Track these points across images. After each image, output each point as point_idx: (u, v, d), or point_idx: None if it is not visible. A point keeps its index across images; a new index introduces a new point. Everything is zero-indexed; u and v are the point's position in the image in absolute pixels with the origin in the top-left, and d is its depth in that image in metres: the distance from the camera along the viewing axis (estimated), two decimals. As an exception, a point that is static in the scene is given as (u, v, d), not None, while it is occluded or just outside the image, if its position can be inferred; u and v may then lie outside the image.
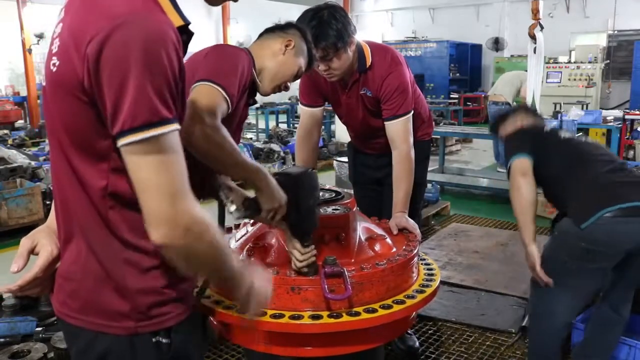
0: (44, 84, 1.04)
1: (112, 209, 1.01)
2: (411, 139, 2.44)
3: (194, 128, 1.37)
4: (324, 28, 2.17)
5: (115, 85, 0.89)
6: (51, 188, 5.26)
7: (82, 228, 1.04)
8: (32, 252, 1.15)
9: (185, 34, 1.04)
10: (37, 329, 2.59)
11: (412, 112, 2.46)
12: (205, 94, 1.49)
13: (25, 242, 1.15)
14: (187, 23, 1.04)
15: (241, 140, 7.72)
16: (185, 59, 1.08)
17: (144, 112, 0.89)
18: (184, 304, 1.12)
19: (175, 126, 0.94)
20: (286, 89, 1.92)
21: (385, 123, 2.45)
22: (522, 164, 2.21)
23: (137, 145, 0.90)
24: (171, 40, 0.93)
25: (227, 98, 1.52)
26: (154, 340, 1.06)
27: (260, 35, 1.88)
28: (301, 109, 2.70)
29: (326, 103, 2.69)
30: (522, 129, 2.45)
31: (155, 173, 0.92)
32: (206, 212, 1.01)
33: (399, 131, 2.41)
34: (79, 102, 0.94)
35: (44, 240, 1.15)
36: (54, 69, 0.97)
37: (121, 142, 0.90)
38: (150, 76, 0.89)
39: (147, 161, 0.91)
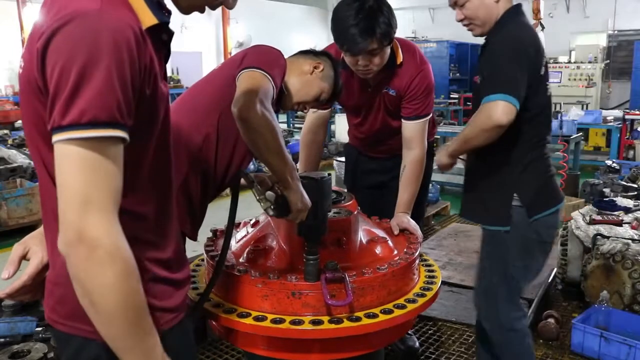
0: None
1: None
2: (426, 143, 2.39)
3: (254, 105, 1.42)
4: (377, 18, 2.06)
5: (56, 79, 0.84)
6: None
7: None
8: (24, 257, 1.14)
9: (164, 33, 1.01)
10: (37, 329, 2.58)
11: (431, 115, 2.44)
12: (258, 78, 1.56)
13: (17, 248, 1.14)
14: (162, 22, 0.99)
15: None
16: (171, 59, 1.07)
17: (77, 110, 0.83)
18: (176, 311, 1.09)
19: (117, 133, 0.86)
20: (305, 109, 1.93)
21: (405, 122, 2.38)
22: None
23: (68, 146, 0.84)
24: (126, 39, 0.87)
25: (274, 86, 1.60)
26: None
27: (295, 54, 1.93)
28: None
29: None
30: None
31: (73, 175, 0.84)
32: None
33: (418, 132, 2.35)
34: (40, 102, 0.91)
35: (35, 247, 1.13)
36: (21, 70, 0.96)
37: (54, 137, 0.85)
38: (94, 73, 0.84)
39: (69, 161, 0.85)
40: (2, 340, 2.50)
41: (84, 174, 0.85)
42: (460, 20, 1.97)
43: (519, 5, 1.94)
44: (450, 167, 2.09)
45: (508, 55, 1.82)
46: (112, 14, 0.89)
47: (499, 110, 1.75)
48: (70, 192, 0.85)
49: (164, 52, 1.04)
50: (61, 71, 0.84)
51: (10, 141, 8.63)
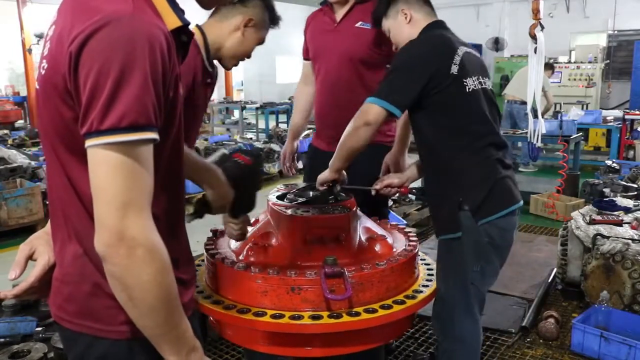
0: (37, 87, 1.01)
1: None
2: None
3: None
4: None
5: (92, 83, 0.85)
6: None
7: (77, 232, 1.02)
8: (30, 258, 1.14)
9: (185, 35, 1.02)
10: (37, 329, 2.59)
11: None
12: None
13: (24, 248, 1.14)
14: (186, 24, 1.01)
15: (241, 141, 7.71)
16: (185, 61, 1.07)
17: (115, 114, 0.85)
18: (184, 309, 1.09)
19: (152, 135, 0.89)
20: (249, 57, 1.88)
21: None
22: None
23: (104, 150, 0.86)
24: (160, 43, 0.90)
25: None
26: (152, 344, 1.01)
27: (220, 10, 1.83)
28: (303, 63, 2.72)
29: None
30: None
31: (111, 178, 0.87)
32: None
33: None
34: (66, 105, 0.92)
35: (41, 248, 1.13)
36: (43, 72, 0.96)
37: (90, 142, 0.86)
38: (131, 77, 0.85)
39: (108, 166, 0.87)
40: (2, 340, 2.51)
41: (122, 176, 0.87)
42: (395, 50, 2.12)
43: (434, 22, 2.05)
44: (332, 181, 2.03)
45: (398, 67, 1.91)
46: (144, 18, 0.90)
47: (370, 111, 1.86)
48: (109, 195, 0.87)
49: (182, 54, 1.05)
50: (98, 75, 0.85)
51: (10, 141, 8.65)
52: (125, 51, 0.85)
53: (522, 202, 2.01)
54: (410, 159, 2.33)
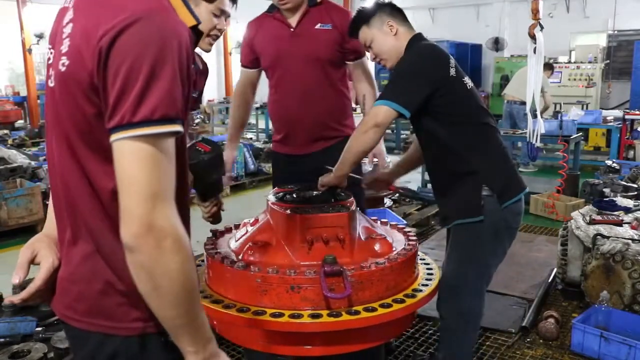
0: (51, 84, 1.01)
1: None
2: None
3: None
4: None
5: (124, 77, 0.87)
6: (49, 189, 5.25)
7: (89, 230, 1.02)
8: (32, 261, 1.13)
9: (195, 33, 1.04)
10: (37, 329, 2.59)
11: None
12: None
13: (25, 252, 1.13)
14: (199, 22, 1.04)
15: (241, 140, 7.72)
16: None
17: (147, 107, 0.87)
18: None
19: (179, 128, 0.92)
20: (221, 32, 1.85)
21: (352, 64, 2.52)
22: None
23: (134, 142, 0.87)
24: (185, 41, 0.93)
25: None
26: (162, 339, 1.03)
27: None
28: (240, 70, 2.71)
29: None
30: None
31: (141, 170, 0.88)
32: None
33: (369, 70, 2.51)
34: (89, 101, 0.93)
35: (44, 251, 1.12)
36: (64, 69, 0.95)
37: (120, 135, 0.87)
38: (162, 72, 0.88)
39: (137, 158, 0.88)
40: (2, 340, 2.51)
41: (151, 168, 0.88)
42: (374, 59, 2.18)
43: (418, 34, 2.13)
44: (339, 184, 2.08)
45: (403, 73, 2.02)
46: (170, 16, 0.94)
47: (380, 113, 1.93)
48: (138, 186, 0.88)
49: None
50: (130, 69, 0.87)
51: (10, 141, 8.65)
52: (157, 47, 0.88)
53: (527, 189, 2.18)
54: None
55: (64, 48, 0.96)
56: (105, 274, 1.02)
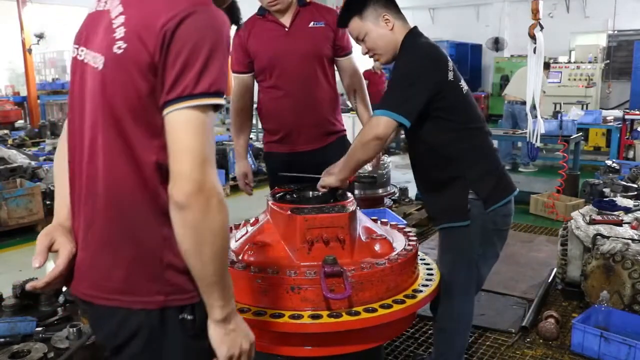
0: (99, 67, 1.09)
1: (162, 185, 1.07)
2: None
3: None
4: None
5: (186, 56, 1.01)
6: (51, 188, 5.28)
7: (120, 206, 1.09)
8: (50, 249, 1.18)
9: None
10: (37, 329, 2.58)
11: None
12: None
13: (43, 239, 1.18)
14: (238, 20, 1.23)
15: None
16: None
17: (205, 82, 1.01)
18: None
19: (223, 101, 1.06)
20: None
21: (343, 60, 2.56)
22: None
23: (191, 111, 1.00)
24: (228, 29, 1.09)
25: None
26: (180, 317, 1.11)
27: None
28: (233, 77, 2.70)
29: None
30: None
31: (194, 138, 1.00)
32: None
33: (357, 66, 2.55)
34: (145, 79, 1.04)
35: (61, 239, 1.18)
36: (120, 52, 1.05)
37: (180, 105, 1.00)
38: (216, 54, 1.03)
39: (192, 126, 1.00)
40: (2, 340, 2.50)
41: (203, 135, 1.01)
42: (366, 53, 2.11)
43: (414, 29, 2.06)
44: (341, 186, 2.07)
45: (403, 78, 1.95)
46: (216, 8, 1.09)
47: (381, 124, 1.88)
48: (193, 151, 1.00)
49: None
50: (191, 51, 1.01)
51: (10, 141, 8.65)
52: (214, 32, 1.04)
53: (517, 190, 2.17)
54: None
55: (119, 34, 1.06)
56: (131, 250, 1.09)
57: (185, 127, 1.01)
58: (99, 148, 1.10)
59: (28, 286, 1.20)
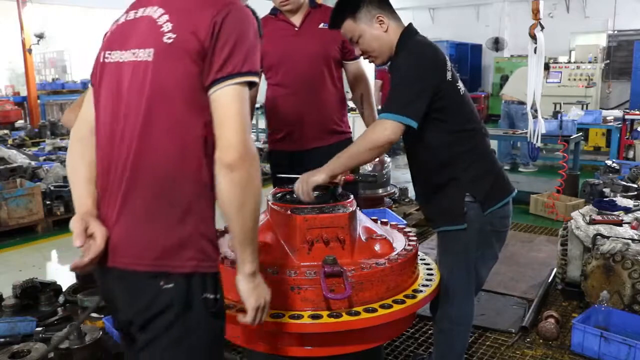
0: (143, 58, 1.25)
1: (206, 157, 1.24)
2: None
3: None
4: None
5: (232, 44, 1.21)
6: (51, 188, 5.28)
7: (166, 180, 1.23)
8: (86, 231, 1.28)
9: None
10: (37, 329, 2.59)
11: None
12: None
13: (78, 224, 1.28)
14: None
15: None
16: None
17: (250, 64, 1.22)
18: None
19: (258, 79, 1.25)
20: None
21: (351, 64, 2.59)
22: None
23: (237, 87, 1.20)
24: (255, 24, 1.29)
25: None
26: (203, 296, 1.26)
27: None
28: None
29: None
30: None
31: (239, 110, 1.20)
32: None
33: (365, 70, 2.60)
34: (195, 63, 1.21)
35: (94, 223, 1.29)
36: (170, 41, 1.23)
37: (230, 81, 1.20)
38: (251, 41, 1.24)
39: (237, 100, 1.20)
40: (2, 340, 2.51)
41: (245, 107, 1.22)
42: (361, 55, 2.09)
43: (409, 26, 2.03)
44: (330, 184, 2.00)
45: (404, 79, 1.91)
46: (244, 5, 1.31)
47: (388, 128, 1.85)
48: (239, 121, 1.20)
49: None
50: (237, 39, 1.22)
51: (10, 141, 8.65)
52: (250, 25, 1.26)
53: (516, 191, 2.16)
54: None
55: (166, 29, 1.24)
56: (172, 221, 1.23)
57: (233, 100, 1.20)
58: (147, 130, 1.23)
59: (72, 265, 1.27)
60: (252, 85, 1.24)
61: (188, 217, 1.24)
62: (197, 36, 1.21)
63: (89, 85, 1.45)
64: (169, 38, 1.23)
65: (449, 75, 1.94)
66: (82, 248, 1.26)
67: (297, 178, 2.02)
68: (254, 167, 1.20)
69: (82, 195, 1.35)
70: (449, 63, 1.97)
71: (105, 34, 1.40)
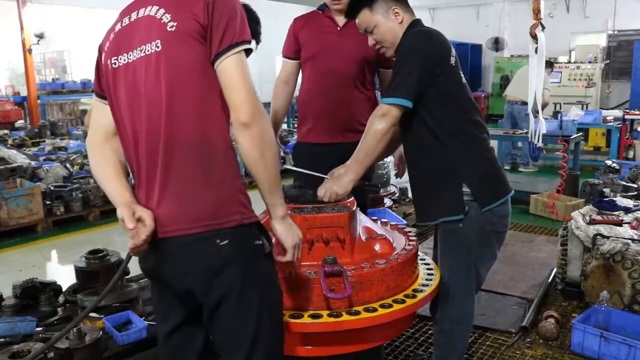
0: (152, 50, 1.35)
1: (226, 122, 1.39)
2: None
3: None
4: None
5: (226, 19, 1.34)
6: (51, 188, 5.28)
7: (201, 149, 1.35)
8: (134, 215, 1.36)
9: None
10: (37, 329, 2.58)
11: None
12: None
13: (127, 210, 1.37)
14: None
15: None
16: None
17: (244, 34, 1.36)
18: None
19: (251, 46, 1.39)
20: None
21: (386, 71, 2.60)
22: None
23: (237, 55, 1.33)
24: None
25: None
26: (255, 242, 1.40)
27: None
28: (282, 61, 2.86)
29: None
30: None
31: (243, 75, 1.35)
32: None
33: None
34: (199, 42, 1.34)
35: (139, 208, 1.38)
36: (174, 28, 1.35)
37: (232, 51, 1.33)
38: (240, 14, 1.38)
39: (240, 66, 1.34)
40: (2, 340, 2.50)
41: (247, 71, 1.36)
42: (373, 45, 2.13)
43: (415, 20, 2.08)
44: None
45: (398, 61, 1.96)
46: None
47: (385, 113, 1.93)
48: (248, 84, 1.35)
49: None
50: (230, 14, 1.36)
51: (10, 141, 8.64)
52: (237, 3, 1.40)
53: (513, 191, 2.18)
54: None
55: (166, 20, 1.36)
56: (214, 183, 1.35)
57: (236, 67, 1.34)
58: (173, 111, 1.34)
59: (130, 244, 1.35)
60: (248, 52, 1.38)
61: (226, 175, 1.37)
62: (196, 19, 1.34)
63: (94, 96, 1.54)
64: (172, 26, 1.36)
65: (452, 61, 1.96)
66: (131, 232, 1.35)
67: (319, 176, 2.07)
68: (265, 120, 1.36)
69: (118, 190, 1.45)
70: (453, 50, 1.99)
71: (102, 45, 1.49)
